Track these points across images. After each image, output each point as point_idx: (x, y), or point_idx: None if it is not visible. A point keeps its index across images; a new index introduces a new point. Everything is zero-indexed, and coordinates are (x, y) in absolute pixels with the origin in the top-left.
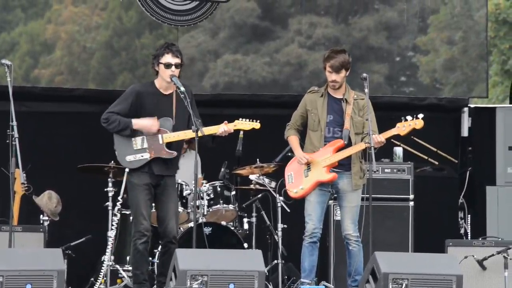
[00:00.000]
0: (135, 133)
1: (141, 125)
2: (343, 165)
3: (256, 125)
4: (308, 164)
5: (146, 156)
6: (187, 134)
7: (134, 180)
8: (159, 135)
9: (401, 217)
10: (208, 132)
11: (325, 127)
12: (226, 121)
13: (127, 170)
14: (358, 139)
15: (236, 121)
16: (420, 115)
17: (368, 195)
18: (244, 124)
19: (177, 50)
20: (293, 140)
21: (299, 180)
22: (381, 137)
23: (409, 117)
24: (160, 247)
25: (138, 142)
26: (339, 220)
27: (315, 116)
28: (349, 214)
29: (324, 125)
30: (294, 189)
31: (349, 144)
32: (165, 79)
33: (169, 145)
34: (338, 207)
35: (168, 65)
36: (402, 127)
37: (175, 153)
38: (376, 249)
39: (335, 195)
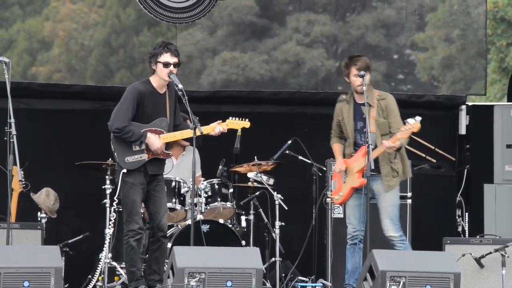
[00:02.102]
0: None
1: (150, 143)
2: (374, 168)
3: (246, 124)
4: (346, 171)
5: (144, 157)
6: (183, 134)
7: (130, 179)
8: (157, 136)
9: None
10: (205, 131)
11: (353, 134)
12: (220, 121)
13: (124, 170)
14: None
15: (227, 120)
16: (418, 118)
17: (366, 193)
18: (235, 124)
19: (176, 50)
20: (335, 148)
21: (339, 186)
22: (389, 143)
23: (411, 120)
24: (151, 243)
25: (136, 143)
26: (336, 218)
27: (344, 125)
28: (385, 214)
29: (351, 132)
30: (336, 196)
31: (375, 147)
32: (163, 78)
33: (165, 145)
34: (335, 206)
35: (166, 64)
36: (404, 131)
37: (171, 154)
38: (374, 246)
39: (372, 197)
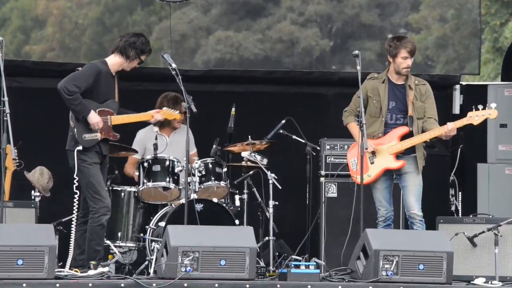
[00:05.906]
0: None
1: (91, 119)
2: (407, 149)
3: (177, 115)
4: (373, 151)
5: (98, 136)
6: (131, 118)
7: (88, 159)
8: (108, 117)
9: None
10: (143, 118)
11: (386, 114)
12: (158, 109)
13: (79, 148)
14: (421, 124)
15: (163, 109)
16: (493, 105)
17: (360, 173)
18: (168, 114)
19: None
20: (354, 127)
21: (364, 167)
22: (453, 127)
23: (480, 106)
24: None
25: (78, 116)
26: (331, 197)
27: (377, 103)
28: (413, 192)
29: (385, 111)
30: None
31: (412, 130)
32: (127, 69)
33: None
34: (330, 184)
35: (140, 63)
36: (475, 117)
37: (118, 136)
38: (367, 226)
39: (395, 177)
